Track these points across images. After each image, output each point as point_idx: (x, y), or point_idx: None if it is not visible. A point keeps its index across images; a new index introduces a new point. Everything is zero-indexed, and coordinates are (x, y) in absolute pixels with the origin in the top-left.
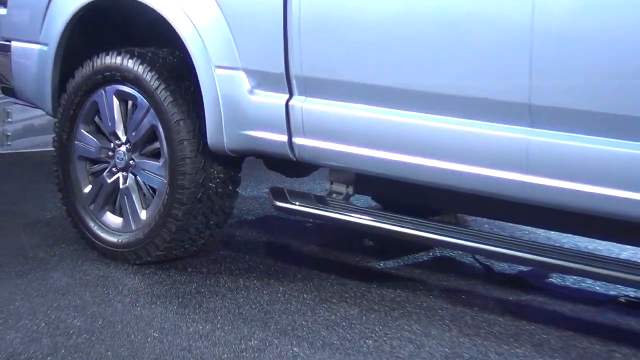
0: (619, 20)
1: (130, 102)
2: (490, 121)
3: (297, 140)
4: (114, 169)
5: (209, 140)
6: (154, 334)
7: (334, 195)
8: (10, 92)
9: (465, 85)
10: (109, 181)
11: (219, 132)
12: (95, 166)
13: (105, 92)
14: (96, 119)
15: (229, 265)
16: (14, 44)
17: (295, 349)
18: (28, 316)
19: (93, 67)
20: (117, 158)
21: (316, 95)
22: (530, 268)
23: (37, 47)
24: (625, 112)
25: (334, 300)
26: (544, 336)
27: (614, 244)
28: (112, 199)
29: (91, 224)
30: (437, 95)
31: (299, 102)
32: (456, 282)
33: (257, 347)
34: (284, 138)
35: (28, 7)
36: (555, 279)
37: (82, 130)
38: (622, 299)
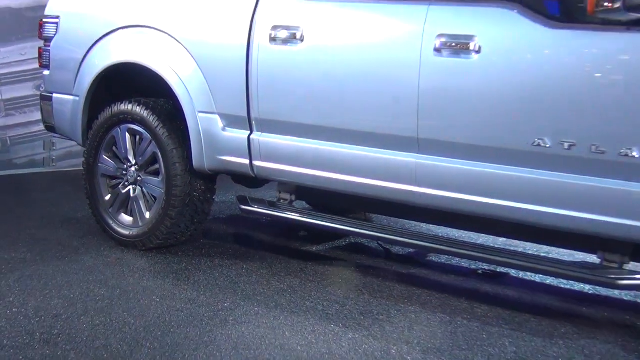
0: (470, 84)
1: (138, 136)
2: (390, 149)
3: (256, 162)
4: (126, 183)
5: (194, 163)
6: (156, 299)
7: (282, 200)
8: (52, 129)
9: (373, 125)
10: (123, 192)
11: (201, 157)
12: (113, 181)
13: (120, 129)
14: (114, 148)
15: (208, 250)
16: (54, 95)
17: (256, 309)
18: (66, 287)
19: (111, 112)
20: (129, 175)
21: (269, 132)
22: (416, 250)
23: (71, 97)
24: (482, 144)
25: (282, 274)
26: (428, 297)
27: (474, 233)
28: (125, 204)
29: (110, 222)
30: (352, 131)
31: (257, 136)
32: (366, 260)
33: (229, 307)
34: (246, 161)
35: (65, 69)
36: (433, 257)
37: (103, 156)
38: (480, 271)
